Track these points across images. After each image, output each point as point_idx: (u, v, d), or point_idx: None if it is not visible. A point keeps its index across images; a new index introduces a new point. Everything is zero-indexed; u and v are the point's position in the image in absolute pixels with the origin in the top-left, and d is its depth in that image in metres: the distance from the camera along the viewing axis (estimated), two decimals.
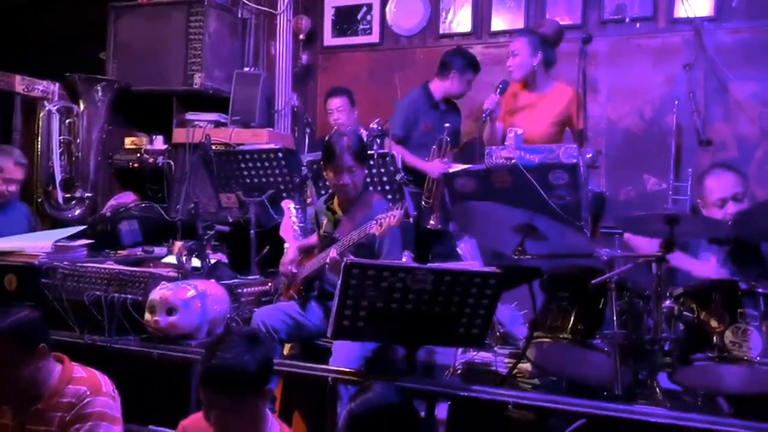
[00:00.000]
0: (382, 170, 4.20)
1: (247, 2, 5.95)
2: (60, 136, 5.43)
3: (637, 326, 2.90)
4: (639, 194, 5.07)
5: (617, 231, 3.92)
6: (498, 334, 3.38)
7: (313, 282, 3.67)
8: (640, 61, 5.17)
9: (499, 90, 4.38)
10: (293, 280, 3.74)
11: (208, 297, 3.54)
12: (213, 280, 3.74)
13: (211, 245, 4.13)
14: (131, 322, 3.55)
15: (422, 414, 2.90)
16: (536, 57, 4.48)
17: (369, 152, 3.99)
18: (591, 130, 4.65)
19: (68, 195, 5.40)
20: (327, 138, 3.90)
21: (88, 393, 2.61)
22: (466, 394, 2.91)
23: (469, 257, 3.81)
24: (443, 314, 2.85)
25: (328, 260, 3.38)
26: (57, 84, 5.62)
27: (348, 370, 3.09)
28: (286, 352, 3.67)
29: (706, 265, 3.40)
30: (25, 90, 5.51)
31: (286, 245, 4.02)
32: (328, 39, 6.08)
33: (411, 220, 4.18)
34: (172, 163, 5.44)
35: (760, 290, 2.76)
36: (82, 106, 5.47)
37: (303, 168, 4.39)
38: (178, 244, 4.15)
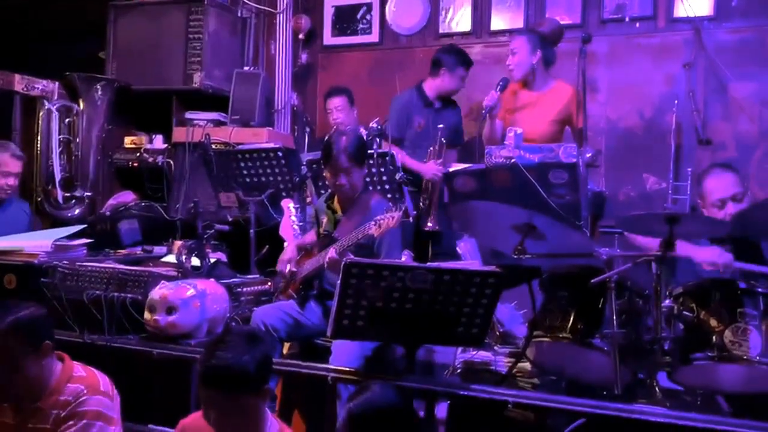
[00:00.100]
0: (382, 169, 4.20)
1: (246, 1, 5.95)
2: (59, 135, 5.43)
3: (637, 326, 2.91)
4: (639, 193, 5.07)
5: (617, 230, 3.93)
6: (497, 333, 3.38)
7: (313, 281, 3.67)
8: (639, 61, 5.17)
9: (499, 87, 4.39)
10: (291, 279, 3.73)
11: (207, 296, 3.54)
12: (212, 280, 3.74)
13: (210, 244, 4.14)
14: (131, 321, 3.55)
15: (422, 413, 2.90)
16: (535, 55, 4.48)
17: (369, 151, 3.99)
18: (591, 130, 4.65)
19: (68, 194, 5.41)
20: (327, 137, 3.90)
21: (85, 392, 2.60)
22: (465, 393, 2.91)
23: (468, 256, 3.81)
24: (443, 313, 2.85)
25: (326, 260, 3.38)
26: (56, 83, 5.63)
27: (347, 369, 3.09)
28: (285, 351, 3.67)
29: (708, 250, 3.38)
30: (25, 89, 5.52)
31: (285, 244, 4.02)
32: (328, 38, 6.07)
33: (411, 219, 4.19)
34: (171, 162, 5.44)
35: (759, 289, 2.76)
36: (81, 105, 5.48)
37: (302, 167, 4.39)
38: (178, 243, 4.15)
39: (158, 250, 4.45)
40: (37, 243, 4.08)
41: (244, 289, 3.96)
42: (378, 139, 4.24)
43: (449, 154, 4.81)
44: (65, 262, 3.91)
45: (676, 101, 4.79)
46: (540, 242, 3.06)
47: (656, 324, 2.81)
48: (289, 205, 4.14)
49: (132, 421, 3.01)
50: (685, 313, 2.81)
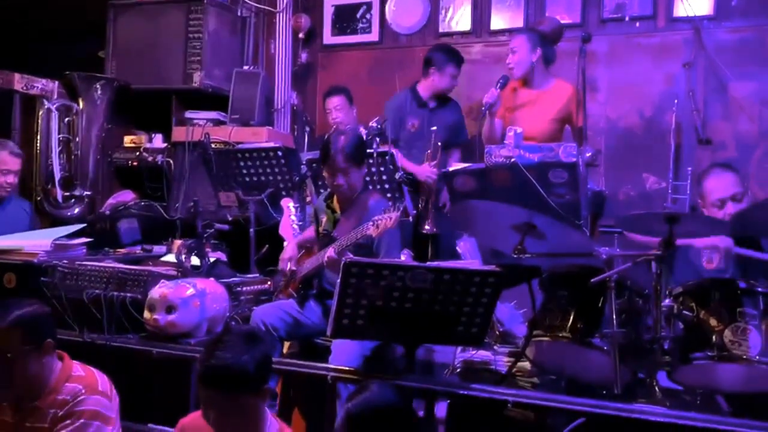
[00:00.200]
0: (382, 169, 4.20)
1: (246, 1, 5.95)
2: (59, 134, 5.43)
3: (637, 325, 2.90)
4: (638, 193, 5.07)
5: (617, 230, 3.92)
6: (497, 332, 3.38)
7: (312, 280, 3.67)
8: (639, 60, 5.17)
9: (499, 85, 4.39)
10: (291, 277, 3.73)
11: (207, 295, 3.54)
12: (212, 279, 3.74)
13: (210, 244, 4.13)
14: (130, 320, 3.55)
15: (421, 413, 2.90)
16: (535, 53, 4.48)
17: (369, 151, 3.99)
18: (590, 129, 4.65)
19: (67, 193, 5.41)
20: (326, 137, 3.90)
21: (83, 391, 2.59)
22: (465, 392, 2.91)
23: (468, 256, 3.80)
24: (442, 313, 2.85)
25: (325, 259, 3.38)
26: (56, 82, 5.63)
27: (347, 368, 3.09)
28: (285, 350, 3.67)
29: (709, 237, 3.37)
30: (24, 88, 5.52)
31: (285, 244, 4.02)
32: (328, 37, 6.07)
33: (410, 218, 4.19)
34: (171, 161, 5.44)
35: (759, 289, 2.76)
36: (81, 105, 5.48)
37: (302, 166, 4.39)
38: (178, 242, 4.16)
39: (158, 249, 4.46)
40: (36, 242, 4.08)
41: (244, 289, 3.96)
42: (378, 139, 4.24)
43: (452, 153, 4.81)
44: (65, 261, 3.91)
45: (675, 101, 4.79)
46: (540, 242, 3.05)
47: (656, 323, 2.81)
48: (288, 205, 4.14)
49: (131, 420, 3.01)
50: (684, 312, 2.81)
